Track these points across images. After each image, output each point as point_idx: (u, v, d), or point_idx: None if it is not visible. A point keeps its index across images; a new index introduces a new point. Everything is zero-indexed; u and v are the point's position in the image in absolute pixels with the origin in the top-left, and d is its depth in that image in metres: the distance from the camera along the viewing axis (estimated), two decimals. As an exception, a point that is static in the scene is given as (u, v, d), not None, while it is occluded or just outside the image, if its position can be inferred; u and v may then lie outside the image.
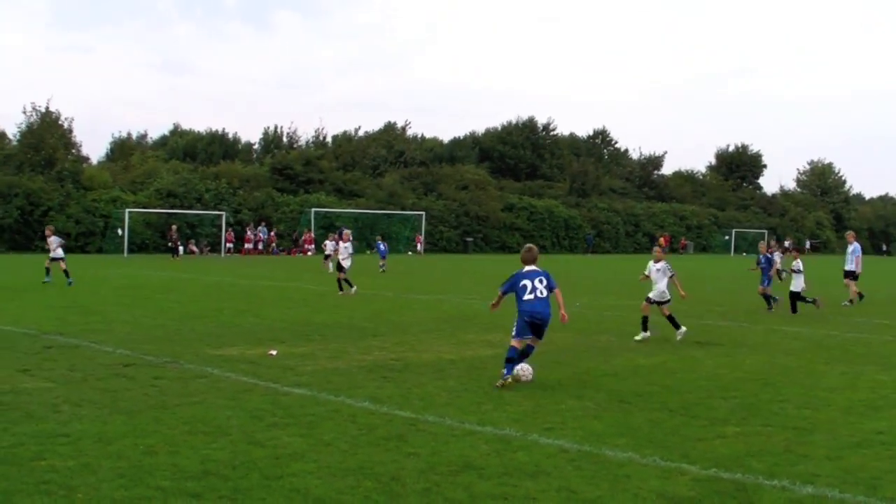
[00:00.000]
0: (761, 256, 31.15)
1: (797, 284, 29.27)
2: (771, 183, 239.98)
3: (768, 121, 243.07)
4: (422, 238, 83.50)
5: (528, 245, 16.26)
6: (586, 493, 8.54)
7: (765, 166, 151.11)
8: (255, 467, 9.11)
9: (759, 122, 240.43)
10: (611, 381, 15.01)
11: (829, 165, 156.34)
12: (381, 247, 53.29)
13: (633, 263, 64.19)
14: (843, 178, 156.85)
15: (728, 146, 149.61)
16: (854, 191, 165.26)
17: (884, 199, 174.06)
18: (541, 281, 15.38)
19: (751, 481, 9.05)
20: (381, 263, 50.88)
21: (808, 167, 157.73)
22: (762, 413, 12.57)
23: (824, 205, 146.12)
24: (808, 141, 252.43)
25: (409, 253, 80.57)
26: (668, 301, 21.34)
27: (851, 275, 34.33)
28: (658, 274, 21.44)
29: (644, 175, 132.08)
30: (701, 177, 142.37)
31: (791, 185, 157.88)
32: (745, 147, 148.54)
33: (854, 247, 34.75)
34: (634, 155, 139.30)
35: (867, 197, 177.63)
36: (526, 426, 11.27)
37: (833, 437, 11.19)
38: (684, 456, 9.98)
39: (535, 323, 15.18)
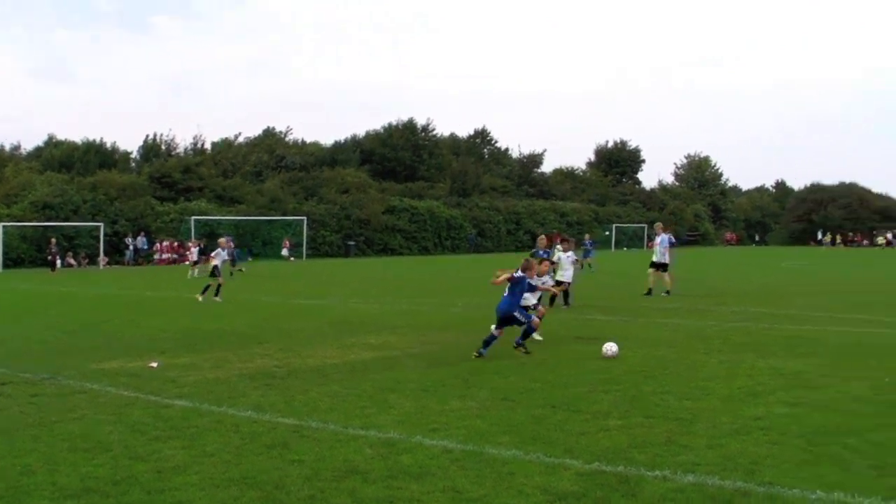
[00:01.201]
0: (540, 251, 30.23)
1: (568, 275, 29.22)
2: (650, 178, 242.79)
3: (646, 116, 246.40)
4: (289, 242, 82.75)
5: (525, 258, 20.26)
6: (471, 492, 8.57)
7: (643, 161, 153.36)
8: (137, 482, 8.98)
9: (637, 117, 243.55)
10: (494, 380, 15.07)
11: (706, 159, 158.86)
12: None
13: (515, 261, 64.57)
14: (720, 170, 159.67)
15: (607, 142, 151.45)
16: (731, 183, 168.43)
17: (759, 191, 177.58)
18: (519, 285, 18.73)
19: (633, 473, 9.16)
20: (234, 268, 51.04)
21: (685, 161, 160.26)
22: (644, 405, 12.74)
23: (702, 197, 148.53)
24: (685, 135, 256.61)
25: (292, 259, 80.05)
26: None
27: (662, 266, 34.51)
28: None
29: (524, 173, 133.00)
30: (581, 173, 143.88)
31: (669, 179, 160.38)
32: (623, 143, 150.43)
33: (662, 238, 34.90)
34: (514, 153, 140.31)
35: (744, 189, 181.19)
36: (410, 428, 11.28)
37: (713, 425, 11.39)
38: (568, 451, 10.07)
39: (497, 317, 18.54)
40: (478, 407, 12.69)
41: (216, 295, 32.94)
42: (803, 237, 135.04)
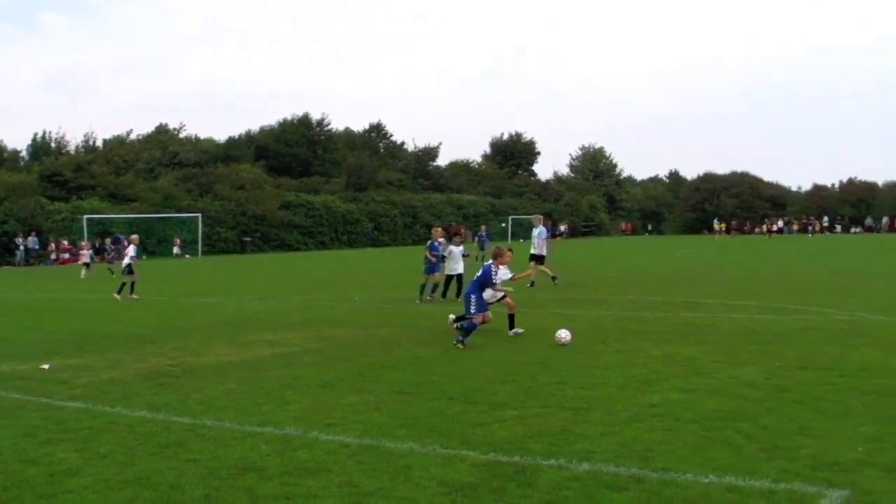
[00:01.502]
0: (436, 243, 30.13)
1: (459, 268, 29.09)
2: (545, 169, 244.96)
3: (540, 107, 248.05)
4: (179, 241, 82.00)
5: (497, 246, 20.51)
6: (368, 486, 8.55)
7: (539, 153, 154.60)
8: (28, 486, 8.81)
9: (531, 109, 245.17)
10: (392, 374, 15.06)
11: (601, 150, 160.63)
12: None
13: (412, 255, 64.64)
14: (614, 161, 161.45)
15: (502, 135, 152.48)
16: (625, 173, 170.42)
17: (654, 181, 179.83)
18: (483, 271, 19.35)
19: (529, 462, 9.22)
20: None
21: (580, 152, 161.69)
22: (541, 395, 12.82)
23: (597, 188, 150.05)
24: (580, 126, 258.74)
25: (187, 256, 79.31)
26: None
27: (540, 258, 34.57)
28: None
29: (420, 167, 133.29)
30: (477, 166, 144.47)
31: (565, 170, 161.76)
32: (518, 135, 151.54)
33: (540, 230, 35.05)
34: (410, 147, 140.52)
35: (638, 179, 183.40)
36: (307, 424, 11.23)
37: (609, 413, 11.50)
38: (465, 442, 10.10)
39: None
40: (375, 401, 12.67)
41: (132, 292, 32.87)
42: (697, 226, 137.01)
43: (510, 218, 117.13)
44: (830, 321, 21.27)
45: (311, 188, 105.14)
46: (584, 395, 12.74)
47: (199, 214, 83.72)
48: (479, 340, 18.93)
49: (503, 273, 20.19)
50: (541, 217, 37.16)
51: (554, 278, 34.04)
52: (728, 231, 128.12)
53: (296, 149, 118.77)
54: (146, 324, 24.29)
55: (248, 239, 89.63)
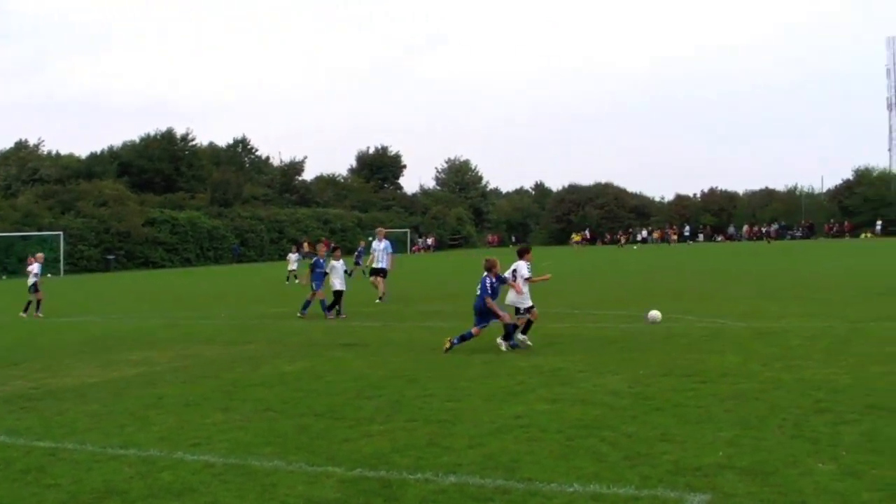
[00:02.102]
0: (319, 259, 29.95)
1: (340, 283, 28.92)
2: (412, 183, 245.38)
3: (406, 120, 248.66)
4: (34, 259, 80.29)
5: (488, 258, 20.36)
6: (234, 505, 8.49)
7: (405, 166, 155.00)
8: None
9: (397, 121, 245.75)
10: (258, 391, 14.94)
11: (467, 162, 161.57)
12: None
13: (278, 271, 64.31)
14: (480, 173, 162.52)
15: (368, 148, 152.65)
16: (491, 186, 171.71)
17: (520, 192, 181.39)
18: (480, 284, 19.44)
19: (396, 477, 9.22)
20: None
21: (446, 165, 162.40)
22: (407, 409, 12.83)
23: (463, 201, 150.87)
24: (446, 139, 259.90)
25: (49, 275, 77.71)
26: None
27: (382, 272, 34.31)
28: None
29: (286, 181, 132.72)
30: (343, 180, 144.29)
31: (431, 183, 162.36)
32: (385, 148, 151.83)
33: (385, 244, 34.84)
34: (276, 161, 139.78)
35: (504, 191, 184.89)
36: (171, 444, 11.08)
37: (475, 425, 11.56)
38: (330, 458, 10.07)
39: (475, 310, 19.39)
40: (241, 419, 12.56)
41: (38, 311, 32.72)
42: (563, 237, 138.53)
43: (384, 231, 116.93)
44: (692, 328, 21.71)
45: (176, 204, 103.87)
46: (450, 408, 12.79)
47: (61, 232, 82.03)
48: (345, 355, 18.92)
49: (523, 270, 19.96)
50: (384, 231, 36.90)
51: (381, 298, 33.57)
52: (591, 241, 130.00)
53: (159, 164, 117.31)
54: (6, 345, 23.74)
55: (112, 257, 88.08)
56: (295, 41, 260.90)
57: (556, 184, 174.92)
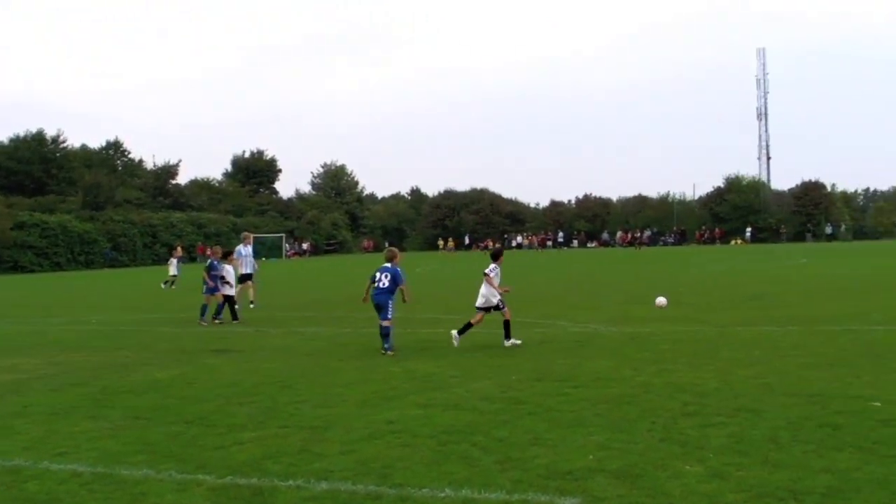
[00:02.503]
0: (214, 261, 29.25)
1: (230, 289, 28.75)
2: (287, 187, 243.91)
3: (281, 124, 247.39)
4: None
5: (389, 248, 21.39)
6: (100, 515, 8.35)
7: (280, 171, 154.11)
8: None
9: (272, 126, 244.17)
10: (128, 398, 14.71)
11: (342, 167, 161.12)
12: None
13: (152, 275, 63.50)
14: (356, 178, 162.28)
15: (244, 152, 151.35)
16: (367, 191, 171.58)
17: (396, 198, 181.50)
18: (386, 276, 19.80)
19: (267, 484, 9.17)
20: None
21: (321, 170, 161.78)
22: (280, 415, 12.76)
23: (339, 206, 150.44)
24: (321, 144, 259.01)
25: None
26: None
27: (248, 277, 33.98)
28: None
29: (160, 185, 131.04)
30: (218, 184, 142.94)
31: (307, 188, 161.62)
32: (260, 152, 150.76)
33: (248, 249, 34.56)
34: (150, 164, 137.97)
35: (380, 196, 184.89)
36: (37, 454, 10.86)
37: (347, 431, 11.53)
38: (201, 466, 9.96)
39: (376, 304, 19.74)
40: (110, 427, 12.35)
41: None
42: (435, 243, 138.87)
43: (251, 237, 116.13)
44: (565, 334, 21.99)
45: (46, 207, 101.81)
46: (323, 414, 12.75)
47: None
48: (216, 362, 18.77)
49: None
50: (251, 236, 36.66)
51: (251, 303, 33.58)
52: (466, 246, 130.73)
53: (29, 166, 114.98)
54: None
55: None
56: (169, 41, 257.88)
57: (431, 189, 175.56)
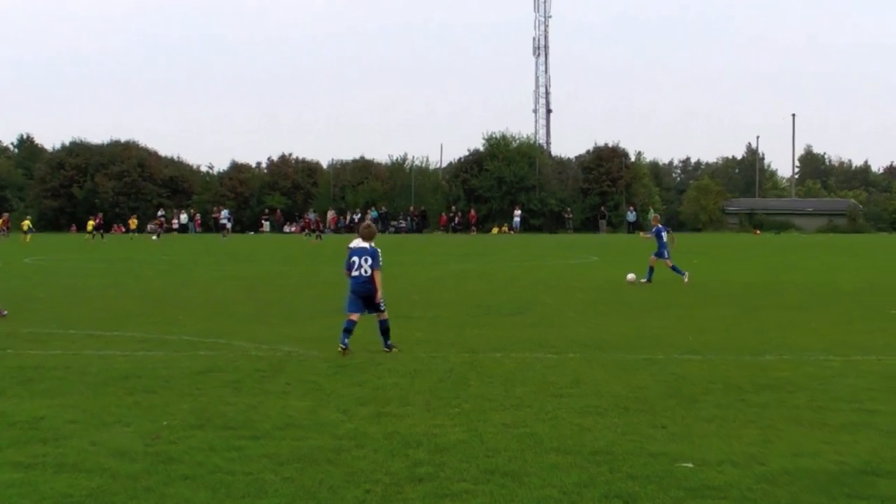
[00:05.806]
0: None
1: None
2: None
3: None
4: None
5: (367, 223, 23.87)
6: None
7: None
8: None
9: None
10: None
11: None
12: None
13: None
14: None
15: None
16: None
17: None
18: (366, 260, 22.28)
19: None
20: None
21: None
22: None
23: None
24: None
25: None
26: None
27: None
28: None
29: None
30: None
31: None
32: None
33: None
34: None
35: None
36: None
37: None
38: None
39: (363, 296, 22.27)
40: None
41: None
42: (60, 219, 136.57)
43: None
44: (243, 359, 21.81)
45: None
46: None
47: None
48: None
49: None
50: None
51: None
52: (106, 228, 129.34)
53: None
54: None
55: None
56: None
57: (51, 140, 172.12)
